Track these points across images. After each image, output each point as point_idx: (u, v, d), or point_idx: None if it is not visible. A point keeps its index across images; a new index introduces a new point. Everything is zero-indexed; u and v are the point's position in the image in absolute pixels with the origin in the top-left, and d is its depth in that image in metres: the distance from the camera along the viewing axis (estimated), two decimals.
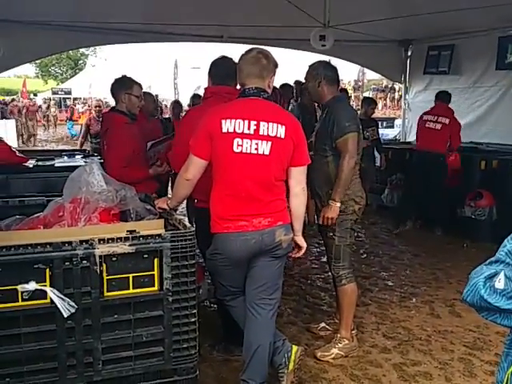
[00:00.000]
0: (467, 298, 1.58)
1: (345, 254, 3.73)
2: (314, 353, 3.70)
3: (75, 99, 30.92)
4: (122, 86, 4.06)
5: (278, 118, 2.90)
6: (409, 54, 9.32)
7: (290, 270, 5.39)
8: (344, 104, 3.83)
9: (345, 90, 9.51)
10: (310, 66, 3.82)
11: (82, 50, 39.21)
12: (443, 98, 7.12)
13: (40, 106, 25.81)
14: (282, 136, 2.87)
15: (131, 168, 3.84)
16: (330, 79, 3.72)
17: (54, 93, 31.41)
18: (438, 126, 6.90)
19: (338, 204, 3.59)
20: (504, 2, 5.56)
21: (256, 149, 2.84)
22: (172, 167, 3.75)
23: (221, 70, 3.56)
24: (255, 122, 2.84)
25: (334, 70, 3.81)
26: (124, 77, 4.17)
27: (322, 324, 4.11)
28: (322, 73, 3.71)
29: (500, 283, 1.50)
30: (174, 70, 23.81)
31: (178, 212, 3.32)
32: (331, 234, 3.71)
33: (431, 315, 4.47)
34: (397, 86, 23.23)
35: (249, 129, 2.83)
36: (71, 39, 7.49)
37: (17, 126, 20.34)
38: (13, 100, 25.57)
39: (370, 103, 8.07)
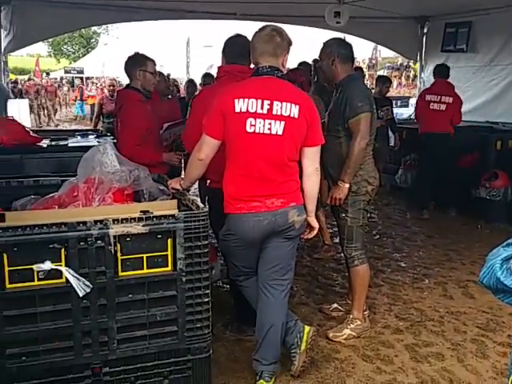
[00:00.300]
0: (483, 280, 1.57)
1: (357, 235, 3.71)
2: (326, 333, 3.72)
3: (88, 78, 30.83)
4: (136, 63, 4.03)
5: (292, 98, 2.87)
6: (425, 31, 9.15)
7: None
8: (358, 83, 3.75)
9: (360, 69, 9.36)
10: (324, 44, 3.75)
11: (94, 29, 39.10)
12: (441, 72, 6.91)
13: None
14: (296, 116, 2.84)
15: (144, 147, 3.83)
16: (344, 57, 3.64)
17: (66, 72, 31.42)
18: (443, 107, 6.75)
19: (347, 185, 3.56)
20: None
21: (269, 129, 2.82)
22: (185, 147, 3.75)
23: (234, 48, 3.52)
24: (268, 102, 2.82)
25: (349, 47, 3.73)
26: (137, 54, 4.14)
27: (335, 305, 4.12)
28: (336, 50, 3.64)
29: None
30: (187, 49, 23.68)
31: (190, 192, 3.32)
32: (344, 214, 3.69)
33: (444, 296, 4.47)
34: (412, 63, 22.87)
35: (262, 108, 2.81)
36: (84, 17, 7.47)
37: (31, 106, 20.33)
38: (29, 79, 25.36)
39: (384, 82, 7.94)
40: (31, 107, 20.38)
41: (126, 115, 3.98)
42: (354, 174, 3.60)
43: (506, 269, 1.50)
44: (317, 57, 4.39)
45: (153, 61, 4.10)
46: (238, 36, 3.57)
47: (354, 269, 3.76)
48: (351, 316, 3.77)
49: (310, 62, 7.33)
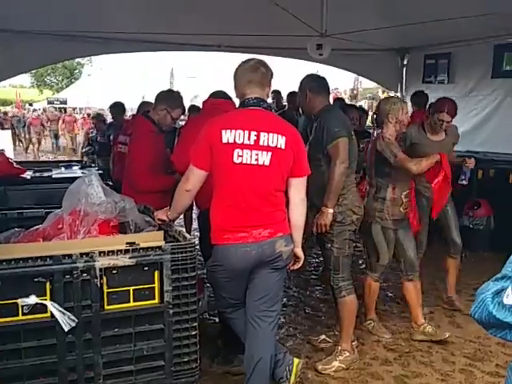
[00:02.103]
0: (475, 315, 1.56)
1: (344, 266, 3.72)
2: (315, 366, 3.68)
3: (73, 109, 30.75)
4: (168, 100, 4.00)
5: (278, 129, 2.89)
6: (405, 62, 9.34)
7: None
8: (333, 112, 3.80)
9: (341, 99, 9.44)
10: (300, 82, 3.89)
11: (77, 60, 39.18)
12: (419, 101, 6.86)
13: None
14: (283, 147, 2.86)
15: (155, 175, 3.85)
16: (316, 90, 3.74)
17: (49, 102, 31.28)
18: None
19: (331, 210, 3.57)
20: (499, 10, 5.59)
21: (256, 159, 2.83)
22: (177, 170, 3.78)
23: (217, 94, 3.88)
24: (255, 133, 2.83)
25: (320, 80, 3.87)
26: (177, 94, 4.16)
27: (323, 336, 4.08)
28: (307, 85, 3.77)
29: (508, 298, 1.48)
30: (170, 80, 23.84)
31: (175, 223, 3.30)
32: (330, 245, 3.70)
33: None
34: (392, 94, 23.22)
35: (249, 139, 2.83)
36: (67, 49, 7.48)
37: (18, 137, 20.28)
38: (34, 111, 24.90)
39: (360, 114, 7.94)
40: (38, 141, 20.48)
41: (136, 144, 3.94)
42: (339, 204, 3.62)
43: (498, 302, 1.49)
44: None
45: (183, 110, 4.22)
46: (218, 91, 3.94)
47: (341, 299, 3.74)
48: (340, 347, 3.74)
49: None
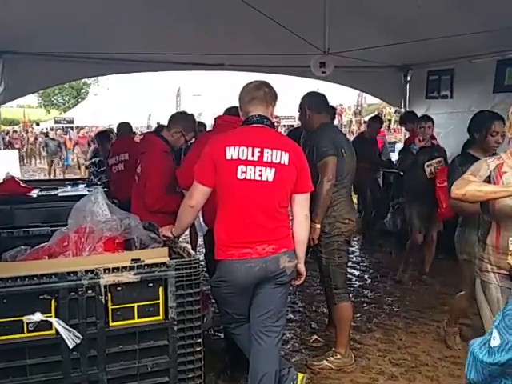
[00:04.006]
0: (471, 375, 1.58)
1: (335, 274, 3.80)
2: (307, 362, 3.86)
3: (80, 128, 31.00)
4: (184, 123, 4.08)
5: (282, 145, 2.93)
6: (408, 78, 9.40)
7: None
8: (324, 129, 3.80)
9: (332, 108, 9.43)
10: (300, 99, 3.96)
11: (84, 80, 39.57)
12: (412, 120, 7.01)
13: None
14: (286, 163, 2.89)
15: (168, 196, 3.88)
16: (314, 107, 3.83)
17: (56, 122, 31.55)
18: None
19: (318, 225, 3.65)
20: (501, 26, 5.64)
21: (260, 175, 2.86)
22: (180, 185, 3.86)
23: (229, 111, 3.87)
24: (259, 149, 2.87)
25: (319, 97, 3.93)
26: (192, 117, 4.25)
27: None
28: (306, 102, 3.86)
29: (495, 340, 1.51)
30: (177, 98, 23.99)
31: (180, 239, 3.31)
32: (318, 255, 3.82)
33: (438, 340, 4.43)
34: (392, 109, 23.21)
35: (253, 156, 2.86)
36: (74, 70, 7.57)
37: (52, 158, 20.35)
38: (80, 129, 25.04)
39: (374, 121, 8.07)
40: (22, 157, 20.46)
41: (152, 164, 3.93)
42: (327, 215, 3.70)
43: (486, 349, 1.53)
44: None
45: (195, 133, 4.27)
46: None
47: (334, 306, 3.89)
48: (333, 349, 3.84)
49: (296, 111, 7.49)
